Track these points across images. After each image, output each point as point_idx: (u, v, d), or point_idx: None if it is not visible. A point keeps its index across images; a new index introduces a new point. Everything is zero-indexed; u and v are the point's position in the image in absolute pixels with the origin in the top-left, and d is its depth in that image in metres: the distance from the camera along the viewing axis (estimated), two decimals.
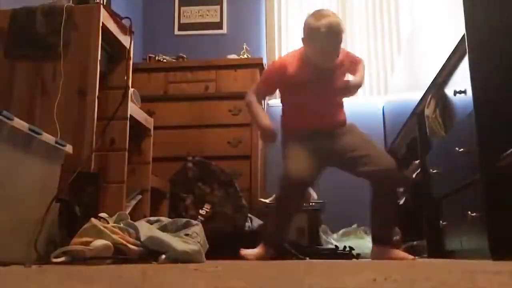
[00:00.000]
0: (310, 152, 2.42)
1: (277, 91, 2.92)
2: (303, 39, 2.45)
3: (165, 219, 1.97)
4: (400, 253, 2.35)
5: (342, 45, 2.48)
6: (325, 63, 2.44)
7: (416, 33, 2.99)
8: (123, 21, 2.48)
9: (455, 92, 2.11)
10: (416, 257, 2.38)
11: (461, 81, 2.12)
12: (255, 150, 3.52)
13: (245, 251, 2.42)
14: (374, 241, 2.39)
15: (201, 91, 3.62)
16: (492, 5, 2.02)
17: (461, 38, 2.05)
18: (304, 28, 2.44)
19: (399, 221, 3.21)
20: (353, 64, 2.60)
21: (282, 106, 2.64)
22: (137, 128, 2.72)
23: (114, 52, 2.47)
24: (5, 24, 2.23)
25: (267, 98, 4.04)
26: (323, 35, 2.34)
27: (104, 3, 2.36)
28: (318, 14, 2.41)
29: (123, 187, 2.34)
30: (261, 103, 2.63)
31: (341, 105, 2.59)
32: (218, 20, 4.42)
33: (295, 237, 3.05)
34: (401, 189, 3.32)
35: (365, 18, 4.26)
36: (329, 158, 2.46)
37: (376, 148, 2.44)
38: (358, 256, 2.80)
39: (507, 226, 1.82)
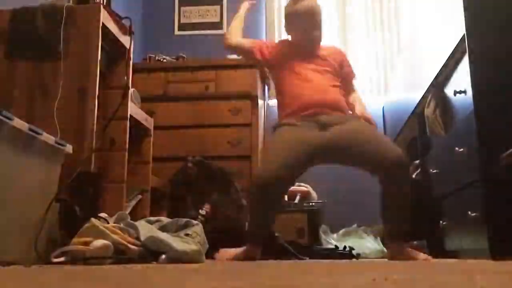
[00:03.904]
0: (296, 143, 2.21)
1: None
2: (285, 27, 2.62)
3: (165, 219, 1.97)
4: (416, 253, 2.17)
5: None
6: (308, 40, 2.54)
7: (416, 33, 2.99)
8: (123, 21, 2.47)
9: (455, 92, 2.11)
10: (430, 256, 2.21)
11: (461, 81, 2.12)
12: (255, 150, 3.51)
13: (221, 252, 2.28)
14: (388, 238, 2.28)
15: (201, 91, 3.62)
16: (492, 5, 2.03)
17: (461, 38, 2.05)
18: (284, 16, 2.61)
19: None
20: (347, 71, 2.61)
21: (277, 100, 2.55)
22: (137, 128, 2.73)
23: (114, 52, 2.47)
24: (5, 24, 2.23)
25: (266, 95, 4.04)
26: (301, 17, 2.51)
27: (104, 3, 2.36)
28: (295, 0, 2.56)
29: (123, 187, 2.34)
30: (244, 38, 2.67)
31: (337, 89, 2.46)
32: (218, 20, 4.42)
33: (295, 237, 3.05)
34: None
35: (365, 18, 4.26)
36: (322, 149, 2.23)
37: (380, 138, 2.22)
38: (358, 256, 2.80)
39: (507, 226, 1.82)
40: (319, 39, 2.58)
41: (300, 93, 2.39)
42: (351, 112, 2.47)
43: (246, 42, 2.65)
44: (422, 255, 2.15)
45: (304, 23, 2.53)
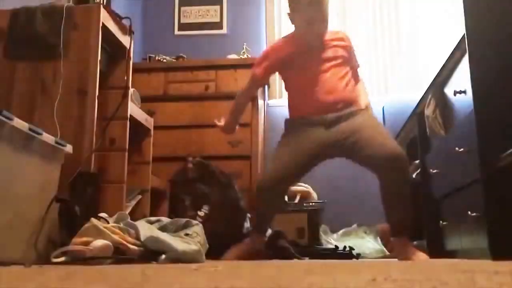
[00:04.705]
0: (302, 146, 2.31)
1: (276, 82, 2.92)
2: (288, 14, 2.42)
3: (165, 219, 1.97)
4: (417, 253, 2.17)
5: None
6: (313, 35, 2.38)
7: (416, 32, 2.99)
8: (123, 21, 2.48)
9: (455, 92, 2.11)
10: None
11: (461, 81, 2.12)
12: (255, 150, 3.51)
13: (228, 252, 2.34)
14: (392, 234, 2.30)
15: (201, 91, 3.62)
16: (492, 5, 2.03)
17: (461, 38, 2.05)
18: (288, 2, 2.41)
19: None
20: (353, 60, 2.49)
21: (288, 97, 2.54)
22: (137, 128, 2.73)
23: (114, 52, 2.47)
24: (5, 24, 2.23)
25: (266, 95, 4.04)
26: (305, 5, 2.31)
27: (104, 3, 2.36)
28: None
29: (123, 187, 2.34)
30: (252, 93, 2.67)
31: (345, 81, 2.38)
32: (218, 20, 4.42)
33: (295, 237, 3.05)
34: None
35: (365, 18, 4.26)
36: (326, 148, 2.31)
37: (379, 133, 2.22)
38: (358, 256, 2.80)
39: (507, 226, 1.82)
40: (324, 31, 2.39)
41: (307, 95, 2.38)
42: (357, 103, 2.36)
43: (250, 86, 2.62)
44: (421, 256, 2.16)
45: (308, 13, 2.32)
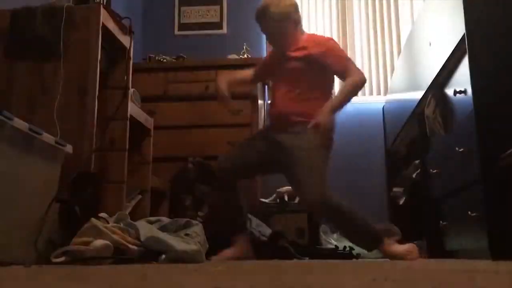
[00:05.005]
0: (257, 148, 2.45)
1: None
2: None
3: (165, 219, 1.97)
4: (406, 248, 2.24)
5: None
6: (277, 49, 2.48)
7: (416, 33, 2.99)
8: (123, 21, 2.47)
9: (455, 92, 2.11)
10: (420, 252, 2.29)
11: (461, 81, 2.12)
12: None
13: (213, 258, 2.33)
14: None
15: (201, 91, 3.62)
16: (492, 5, 2.03)
17: (461, 38, 2.05)
18: None
19: (399, 221, 3.22)
20: (329, 63, 2.41)
21: None
22: (137, 128, 2.72)
23: (114, 52, 2.46)
24: (5, 24, 2.23)
25: (266, 95, 4.05)
26: (257, 23, 2.44)
27: (104, 3, 2.36)
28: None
29: (123, 187, 2.34)
30: (250, 81, 2.74)
31: (307, 99, 2.38)
32: (218, 20, 4.42)
33: (295, 237, 3.05)
34: (401, 190, 3.32)
35: (365, 18, 4.26)
36: (269, 163, 2.45)
37: (308, 175, 2.23)
38: (358, 256, 2.80)
39: (507, 226, 1.82)
40: (282, 43, 2.42)
41: (270, 105, 2.57)
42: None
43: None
44: (408, 248, 2.23)
45: (262, 29, 2.45)
